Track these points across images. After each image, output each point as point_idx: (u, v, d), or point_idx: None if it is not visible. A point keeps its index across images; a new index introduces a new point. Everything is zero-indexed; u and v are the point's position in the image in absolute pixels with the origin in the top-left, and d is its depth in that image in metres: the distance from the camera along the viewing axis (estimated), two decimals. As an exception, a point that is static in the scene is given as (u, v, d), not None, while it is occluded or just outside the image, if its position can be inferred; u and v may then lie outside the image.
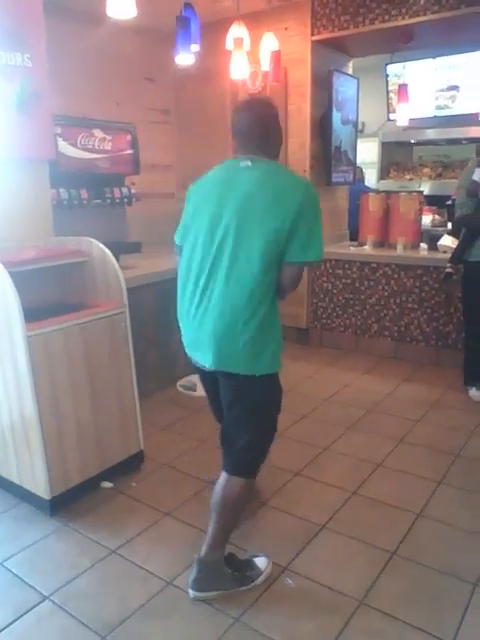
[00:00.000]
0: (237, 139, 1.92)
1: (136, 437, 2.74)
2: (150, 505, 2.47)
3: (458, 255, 3.60)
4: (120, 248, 3.37)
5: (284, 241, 1.76)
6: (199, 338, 1.89)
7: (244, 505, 2.00)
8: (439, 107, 6.14)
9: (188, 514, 2.40)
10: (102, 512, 2.44)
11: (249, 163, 1.83)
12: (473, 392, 3.60)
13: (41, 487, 2.36)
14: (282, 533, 2.29)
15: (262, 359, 1.84)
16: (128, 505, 2.49)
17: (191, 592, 1.93)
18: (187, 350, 2.03)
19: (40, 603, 1.93)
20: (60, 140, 3.08)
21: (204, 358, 1.90)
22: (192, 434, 3.16)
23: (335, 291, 4.57)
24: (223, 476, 1.96)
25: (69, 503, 2.44)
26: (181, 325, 2.00)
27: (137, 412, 2.72)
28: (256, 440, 1.93)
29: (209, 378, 2.03)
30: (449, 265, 3.67)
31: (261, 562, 2.05)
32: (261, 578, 2.00)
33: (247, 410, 1.91)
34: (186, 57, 3.37)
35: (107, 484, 2.61)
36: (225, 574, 1.96)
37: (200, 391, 3.73)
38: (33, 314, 2.28)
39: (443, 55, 5.87)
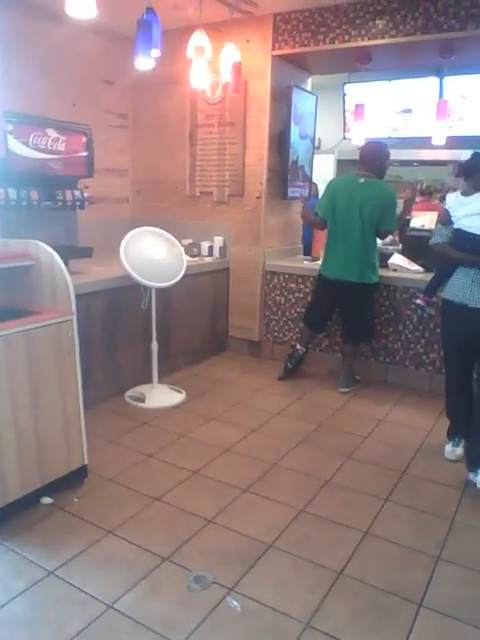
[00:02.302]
0: (360, 162, 3.88)
1: (79, 450, 2.63)
2: (92, 523, 2.37)
3: (434, 286, 3.44)
4: (70, 253, 3.26)
5: (378, 219, 3.76)
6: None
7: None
8: (393, 128, 6.30)
9: (132, 533, 2.32)
10: (41, 530, 2.31)
11: (363, 180, 3.77)
12: (448, 448, 3.06)
13: (-25, 503, 2.22)
14: (228, 552, 2.24)
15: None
16: (69, 523, 2.38)
17: (345, 389, 4.00)
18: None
19: (-32, 631, 1.80)
20: (11, 138, 2.95)
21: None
22: (139, 447, 3.06)
23: (287, 305, 4.58)
24: None
25: (6, 520, 2.30)
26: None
27: (81, 425, 2.61)
28: None
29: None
30: (420, 296, 3.66)
31: (359, 377, 4.16)
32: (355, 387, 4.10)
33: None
34: (146, 61, 3.31)
35: (47, 500, 2.48)
36: (355, 380, 4.10)
37: (148, 403, 3.66)
38: (-27, 319, 2.15)
39: (398, 78, 6.03)
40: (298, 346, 4.22)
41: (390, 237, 5.65)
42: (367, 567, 2.17)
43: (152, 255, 3.41)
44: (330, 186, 3.90)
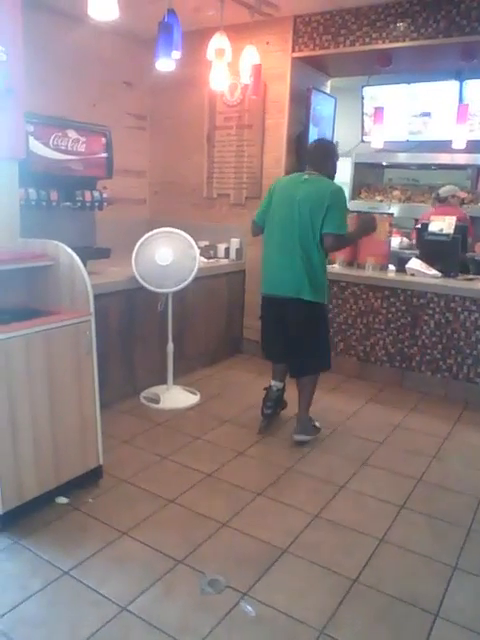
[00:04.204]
0: (306, 161, 3.23)
1: (95, 451, 2.64)
2: (107, 523, 2.37)
3: None
4: (88, 253, 3.27)
5: (321, 222, 2.98)
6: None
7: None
8: (412, 132, 6.24)
9: (146, 534, 2.32)
10: (56, 529, 2.32)
11: (306, 177, 3.08)
12: None
13: (-8, 501, 2.24)
14: (242, 556, 2.23)
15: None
16: (83, 523, 2.38)
17: (300, 436, 3.20)
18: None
19: (-16, 629, 1.81)
20: (32, 139, 2.97)
21: None
22: (153, 449, 3.07)
23: (303, 308, 4.56)
24: None
25: (22, 519, 2.32)
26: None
27: (98, 425, 2.62)
28: None
29: None
30: None
31: (318, 423, 3.33)
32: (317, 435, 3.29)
33: None
34: (166, 63, 3.32)
35: (62, 500, 2.49)
36: (312, 427, 3.28)
37: (163, 404, 3.66)
38: (-7, 318, 2.17)
39: (418, 82, 5.98)
40: (272, 382, 3.42)
41: (405, 239, 5.69)
42: (383, 575, 2.15)
43: (159, 261, 3.44)
44: (271, 186, 3.26)
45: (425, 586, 2.10)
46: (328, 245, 3.03)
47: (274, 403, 3.42)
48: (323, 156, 3.17)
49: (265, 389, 3.46)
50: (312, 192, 3.00)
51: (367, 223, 3.38)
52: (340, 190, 3.04)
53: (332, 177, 3.18)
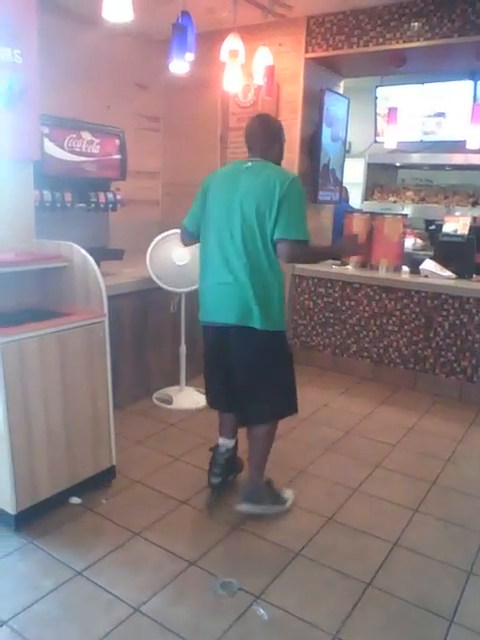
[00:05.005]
0: (247, 145, 2.43)
1: (108, 451, 2.64)
2: (119, 524, 2.38)
3: None
4: (102, 254, 3.28)
5: (272, 221, 2.22)
6: None
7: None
8: (425, 132, 6.20)
9: (158, 535, 2.32)
10: (69, 530, 2.33)
11: (249, 164, 2.33)
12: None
13: (7, 501, 2.24)
14: (255, 558, 2.22)
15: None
16: (97, 523, 2.39)
17: (244, 506, 2.42)
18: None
19: (-3, 628, 1.82)
20: (47, 141, 2.99)
21: None
22: (166, 449, 3.07)
23: (316, 309, 4.55)
24: None
25: (35, 519, 2.33)
26: None
27: (111, 425, 2.63)
28: None
29: None
30: None
31: (288, 494, 2.55)
32: (289, 503, 2.50)
33: None
34: (180, 65, 3.32)
35: (76, 500, 2.50)
36: (266, 493, 2.46)
37: (176, 404, 3.66)
38: (8, 319, 2.19)
39: (432, 82, 5.94)
40: (220, 440, 2.63)
41: (419, 240, 5.66)
42: (396, 579, 2.13)
43: (175, 261, 3.43)
44: (205, 180, 2.46)
45: (440, 591, 2.07)
46: (284, 255, 2.25)
47: (224, 469, 2.58)
48: (270, 136, 2.39)
49: (211, 450, 2.66)
50: (258, 183, 2.24)
51: (350, 245, 2.85)
52: (296, 180, 2.27)
53: (279, 162, 2.43)
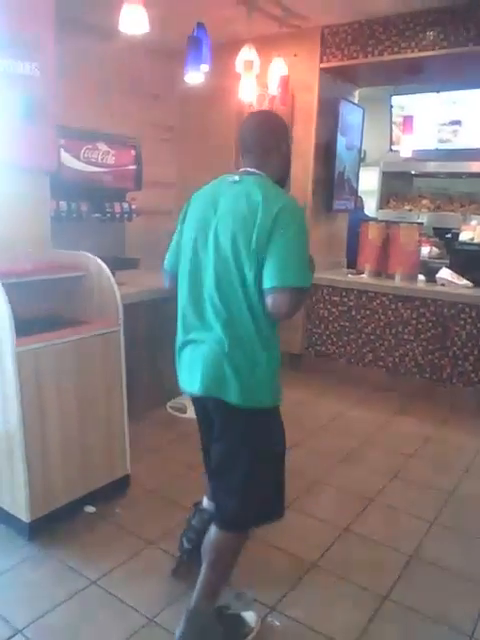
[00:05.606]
0: (240, 151, 1.85)
1: (123, 460, 2.65)
2: (134, 533, 2.37)
3: None
4: (117, 264, 3.30)
5: (256, 257, 1.58)
6: None
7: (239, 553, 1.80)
8: (441, 140, 6.19)
9: (173, 545, 2.29)
10: (83, 539, 2.33)
11: (237, 178, 1.71)
12: None
13: (21, 509, 2.25)
14: (270, 570, 2.20)
15: None
16: (111, 532, 2.39)
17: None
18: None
19: (11, 638, 1.81)
20: (63, 152, 3.03)
21: None
22: (180, 458, 3.06)
23: (331, 318, 4.53)
24: None
25: (49, 527, 2.33)
26: None
27: (125, 434, 2.63)
28: None
29: None
30: None
31: (250, 617, 1.88)
32: (250, 637, 1.84)
33: None
34: (196, 76, 3.36)
35: (90, 509, 2.50)
36: (216, 631, 1.74)
37: (190, 413, 3.65)
38: (25, 328, 2.20)
39: (447, 90, 5.93)
40: (205, 501, 2.16)
41: (434, 249, 5.62)
42: (414, 592, 2.09)
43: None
44: (188, 201, 1.91)
45: (458, 606, 2.03)
46: (276, 310, 1.60)
47: (200, 534, 1.97)
48: (268, 139, 1.76)
49: (194, 506, 2.19)
50: (238, 208, 1.62)
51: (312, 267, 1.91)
52: (289, 205, 1.62)
53: (283, 180, 1.83)
